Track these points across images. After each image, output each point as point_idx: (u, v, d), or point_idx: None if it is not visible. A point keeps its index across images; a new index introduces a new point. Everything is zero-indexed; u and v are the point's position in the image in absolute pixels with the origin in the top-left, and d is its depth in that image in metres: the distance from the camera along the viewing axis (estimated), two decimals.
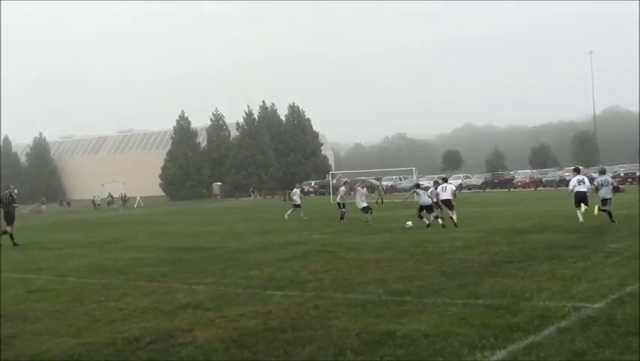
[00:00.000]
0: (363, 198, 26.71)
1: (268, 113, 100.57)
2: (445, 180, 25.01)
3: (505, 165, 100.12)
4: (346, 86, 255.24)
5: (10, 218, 22.24)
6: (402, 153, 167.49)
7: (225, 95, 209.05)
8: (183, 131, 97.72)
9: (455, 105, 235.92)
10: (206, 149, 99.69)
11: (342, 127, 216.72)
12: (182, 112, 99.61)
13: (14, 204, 22.49)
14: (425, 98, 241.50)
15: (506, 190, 64.48)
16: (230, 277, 12.54)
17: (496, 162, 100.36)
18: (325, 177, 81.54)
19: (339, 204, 28.34)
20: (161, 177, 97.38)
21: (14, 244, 21.69)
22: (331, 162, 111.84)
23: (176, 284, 11.98)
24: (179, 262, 15.44)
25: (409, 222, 22.57)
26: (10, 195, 22.55)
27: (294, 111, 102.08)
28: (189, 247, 19.50)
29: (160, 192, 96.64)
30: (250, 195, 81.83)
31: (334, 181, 62.33)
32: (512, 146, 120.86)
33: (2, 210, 22.33)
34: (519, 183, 68.06)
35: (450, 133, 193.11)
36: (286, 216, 31.23)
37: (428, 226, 21.89)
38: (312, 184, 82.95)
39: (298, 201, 32.31)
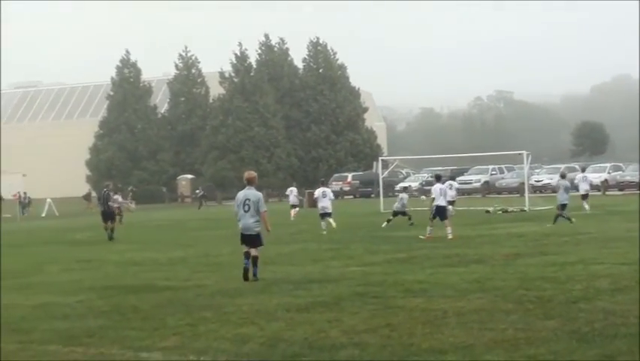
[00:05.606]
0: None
1: (274, 55, 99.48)
2: (439, 178, 30.39)
3: None
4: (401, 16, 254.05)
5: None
6: (505, 125, 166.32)
7: (202, 29, 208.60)
8: (128, 85, 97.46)
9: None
10: (168, 117, 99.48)
11: (399, 82, 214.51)
12: (127, 53, 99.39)
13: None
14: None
15: None
16: (207, 338, 12.57)
17: None
18: (372, 167, 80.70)
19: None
20: (88, 164, 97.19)
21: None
22: (382, 139, 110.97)
23: (112, 350, 12.01)
24: (119, 312, 15.51)
25: None
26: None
27: (319, 52, 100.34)
28: (137, 285, 19.56)
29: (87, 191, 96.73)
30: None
31: (386, 174, 61.79)
32: None
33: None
34: None
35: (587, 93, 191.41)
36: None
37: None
38: (349, 179, 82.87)
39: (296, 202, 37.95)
